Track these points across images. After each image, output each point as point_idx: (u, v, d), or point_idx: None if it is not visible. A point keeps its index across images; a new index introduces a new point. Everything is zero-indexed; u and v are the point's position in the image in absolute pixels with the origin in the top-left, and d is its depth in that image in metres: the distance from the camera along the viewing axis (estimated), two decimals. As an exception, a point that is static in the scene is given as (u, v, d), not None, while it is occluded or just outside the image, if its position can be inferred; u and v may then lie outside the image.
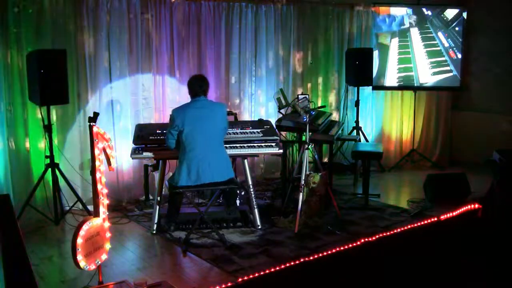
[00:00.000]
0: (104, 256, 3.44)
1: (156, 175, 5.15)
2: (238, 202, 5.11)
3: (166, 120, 5.39)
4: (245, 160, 4.76)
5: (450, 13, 6.96)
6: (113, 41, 5.37)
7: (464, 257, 3.83)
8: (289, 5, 6.47)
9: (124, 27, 5.41)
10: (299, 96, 5.69)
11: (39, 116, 4.80)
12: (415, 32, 6.99)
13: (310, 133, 4.84)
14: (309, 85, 6.80)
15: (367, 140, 6.87)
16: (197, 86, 4.34)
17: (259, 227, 4.67)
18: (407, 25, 6.97)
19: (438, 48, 7.02)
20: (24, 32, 4.83)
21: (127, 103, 5.57)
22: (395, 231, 4.40)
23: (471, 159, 6.98)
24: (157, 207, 4.61)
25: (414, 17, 6.96)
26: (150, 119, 5.68)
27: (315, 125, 5.13)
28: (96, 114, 3.37)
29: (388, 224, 4.80)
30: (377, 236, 4.21)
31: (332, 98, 6.99)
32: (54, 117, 5.03)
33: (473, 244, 3.98)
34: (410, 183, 6.49)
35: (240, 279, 3.45)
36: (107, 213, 3.46)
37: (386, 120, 7.33)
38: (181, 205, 4.70)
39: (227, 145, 4.63)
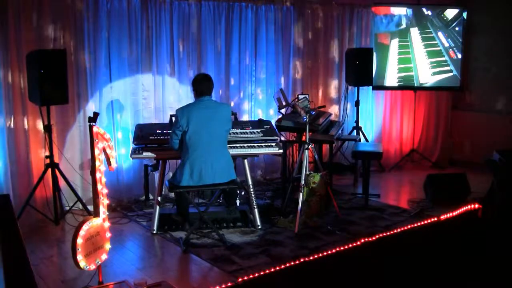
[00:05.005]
0: (104, 256, 3.44)
1: (156, 175, 5.15)
2: (238, 202, 5.11)
3: (166, 120, 5.39)
4: (245, 160, 4.76)
5: (450, 13, 6.96)
6: (113, 41, 5.37)
7: (464, 257, 3.83)
8: (289, 5, 6.47)
9: (124, 27, 5.41)
10: (299, 96, 5.69)
11: (39, 116, 4.79)
12: (415, 32, 6.99)
13: (310, 133, 4.85)
14: (309, 85, 6.79)
15: (367, 140, 6.87)
16: (203, 85, 4.31)
17: (259, 227, 4.67)
18: (407, 25, 6.97)
19: (438, 48, 7.02)
20: (24, 32, 4.84)
21: (127, 103, 5.57)
22: (395, 231, 4.40)
23: (471, 159, 6.98)
24: (157, 207, 4.61)
25: (414, 17, 6.96)
26: (150, 119, 5.67)
27: (315, 125, 5.13)
28: (96, 114, 3.38)
29: (388, 224, 4.80)
30: (377, 236, 4.21)
31: (332, 98, 6.99)
32: (54, 117, 5.02)
33: (473, 244, 3.98)
34: (410, 183, 6.49)
35: (240, 279, 3.45)
36: (107, 213, 3.46)
37: (386, 120, 7.33)
38: (188, 205, 4.67)
39: (227, 145, 4.63)
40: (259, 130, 4.95)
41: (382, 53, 6.96)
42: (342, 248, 4.01)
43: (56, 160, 4.89)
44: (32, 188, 4.78)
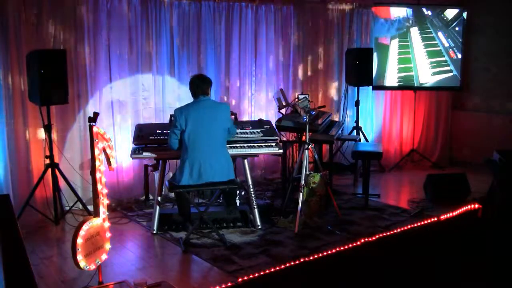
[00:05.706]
0: (104, 256, 3.44)
1: (156, 175, 5.15)
2: (238, 202, 5.11)
3: (166, 120, 5.40)
4: (245, 160, 4.76)
5: (450, 13, 6.96)
6: (113, 41, 5.37)
7: (464, 257, 3.83)
8: (289, 5, 6.47)
9: (124, 27, 5.41)
10: (299, 96, 5.69)
11: (39, 116, 4.79)
12: (415, 32, 6.99)
13: (310, 133, 4.85)
14: (309, 84, 6.79)
15: (367, 140, 6.87)
16: (198, 86, 4.34)
17: (259, 227, 4.67)
18: (407, 25, 6.97)
19: (438, 48, 7.02)
20: (24, 32, 4.84)
21: (127, 103, 5.57)
22: (395, 231, 4.40)
23: (471, 159, 6.98)
24: (157, 207, 4.61)
25: (414, 17, 6.95)
26: (150, 119, 5.68)
27: (315, 125, 5.13)
28: (96, 114, 3.38)
29: (388, 224, 4.80)
30: (377, 236, 4.21)
31: (332, 98, 6.99)
32: (54, 117, 5.02)
33: (473, 244, 3.98)
34: (410, 183, 6.49)
35: (240, 279, 3.45)
36: (107, 213, 3.47)
37: (386, 120, 7.33)
38: (190, 205, 4.66)
39: (227, 145, 4.63)
40: (259, 130, 4.95)
41: (382, 53, 6.96)
42: (342, 248, 4.01)
43: (56, 160, 4.89)
44: (32, 188, 4.78)
